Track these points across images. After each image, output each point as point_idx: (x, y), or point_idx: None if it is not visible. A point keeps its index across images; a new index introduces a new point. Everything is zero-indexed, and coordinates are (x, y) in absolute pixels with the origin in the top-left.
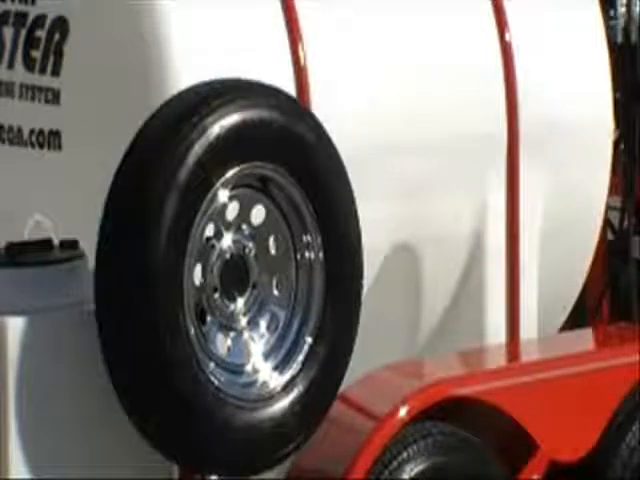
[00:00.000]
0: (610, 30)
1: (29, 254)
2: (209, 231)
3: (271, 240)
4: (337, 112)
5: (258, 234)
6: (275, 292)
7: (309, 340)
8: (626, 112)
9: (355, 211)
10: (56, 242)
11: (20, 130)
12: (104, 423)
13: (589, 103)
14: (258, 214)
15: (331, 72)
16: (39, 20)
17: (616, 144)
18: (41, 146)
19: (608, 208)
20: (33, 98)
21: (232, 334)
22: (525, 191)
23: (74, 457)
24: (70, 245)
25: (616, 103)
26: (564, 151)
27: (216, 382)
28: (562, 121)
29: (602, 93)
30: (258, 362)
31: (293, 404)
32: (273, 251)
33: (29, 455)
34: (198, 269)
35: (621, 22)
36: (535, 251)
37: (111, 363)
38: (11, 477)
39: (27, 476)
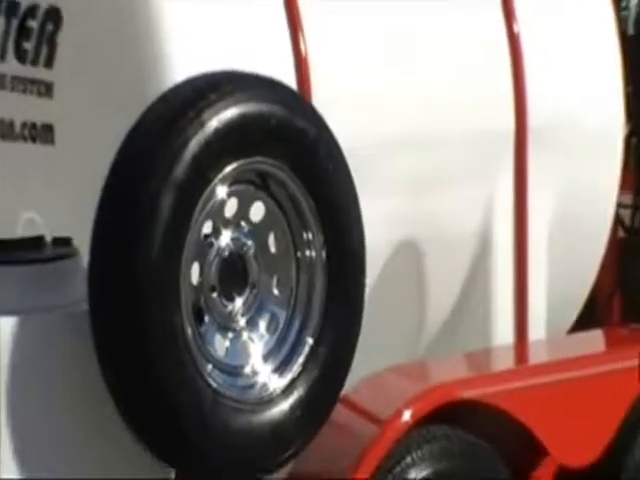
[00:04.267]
0: (621, 22)
1: (20, 252)
2: (207, 228)
3: (271, 238)
4: (339, 105)
5: (257, 232)
6: (275, 292)
7: (310, 341)
8: (638, 106)
9: (358, 208)
10: (49, 239)
11: (12, 123)
12: (100, 425)
13: (599, 97)
14: (257, 211)
15: (334, 63)
16: (31, 10)
17: (627, 139)
18: (33, 140)
19: (619, 205)
20: (25, 90)
21: (230, 335)
22: (534, 188)
23: (68, 457)
24: (63, 243)
25: (628, 97)
26: (574, 147)
27: (214, 384)
28: (572, 116)
29: (613, 86)
30: (257, 364)
31: (293, 407)
32: (273, 249)
33: (20, 455)
34: (195, 268)
35: (633, 13)
36: (544, 249)
37: (105, 366)
38: (1, 477)
39: (18, 476)
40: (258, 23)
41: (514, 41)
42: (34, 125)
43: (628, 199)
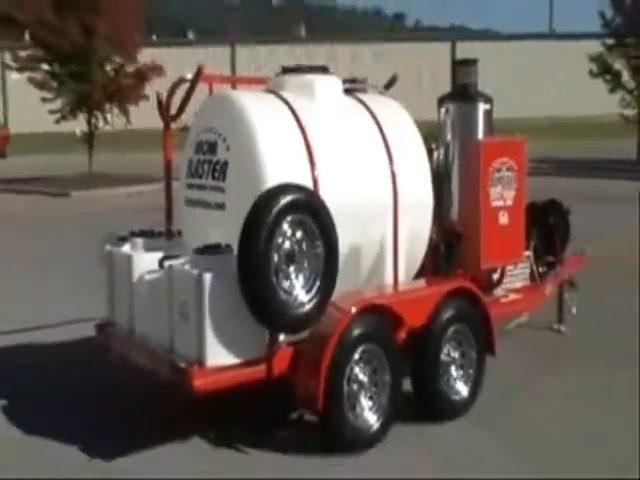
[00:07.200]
0: (432, 164)
1: (212, 249)
2: (280, 241)
3: (304, 244)
4: (329, 195)
5: (299, 242)
6: (305, 265)
7: (318, 283)
8: (435, 199)
9: (336, 232)
10: (223, 245)
11: (209, 202)
12: (247, 315)
13: (424, 193)
14: (299, 234)
15: (326, 182)
16: (217, 162)
17: (433, 210)
18: (217, 209)
19: (432, 233)
20: (215, 191)
21: (289, 280)
22: (400, 226)
23: (238, 333)
24: (227, 246)
25: (434, 194)
26: (414, 212)
27: (283, 298)
28: (413, 198)
29: (428, 189)
30: (299, 291)
31: (312, 307)
32: (305, 248)
33: (218, 336)
34: (276, 256)
35: (435, 162)
36: (404, 247)
37: (245, 294)
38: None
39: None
40: (296, 165)
41: (393, 171)
42: (217, 203)
43: (434, 232)
